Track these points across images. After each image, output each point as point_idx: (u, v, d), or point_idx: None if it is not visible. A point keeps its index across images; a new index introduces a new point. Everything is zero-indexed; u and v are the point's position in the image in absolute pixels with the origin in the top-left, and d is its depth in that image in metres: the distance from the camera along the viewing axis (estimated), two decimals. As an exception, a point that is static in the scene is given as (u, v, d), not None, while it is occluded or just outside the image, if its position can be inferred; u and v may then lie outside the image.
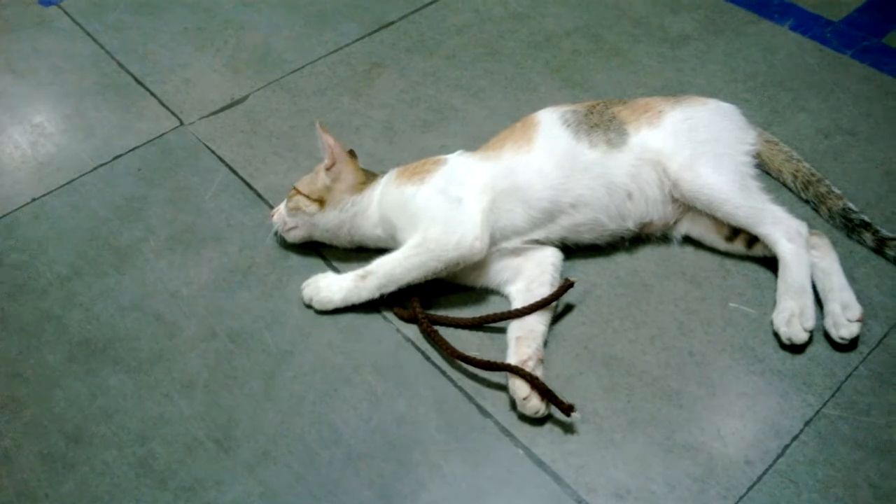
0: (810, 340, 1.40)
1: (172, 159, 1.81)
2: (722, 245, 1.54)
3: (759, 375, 1.37)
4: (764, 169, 1.66)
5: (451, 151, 1.58)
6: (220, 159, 1.80)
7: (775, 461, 1.27)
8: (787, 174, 1.64)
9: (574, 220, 1.50)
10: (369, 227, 1.54)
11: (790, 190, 1.65)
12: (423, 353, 1.43)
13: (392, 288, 1.44)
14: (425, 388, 1.38)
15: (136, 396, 1.39)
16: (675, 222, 1.56)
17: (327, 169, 1.54)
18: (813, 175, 1.61)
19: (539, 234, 1.50)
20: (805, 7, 2.15)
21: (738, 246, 1.53)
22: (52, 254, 1.62)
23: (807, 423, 1.31)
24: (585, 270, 1.54)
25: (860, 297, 1.44)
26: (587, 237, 1.54)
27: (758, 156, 1.63)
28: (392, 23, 2.18)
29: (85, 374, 1.43)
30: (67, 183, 1.77)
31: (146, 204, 1.71)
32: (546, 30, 2.13)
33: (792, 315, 1.39)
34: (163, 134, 1.88)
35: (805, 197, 1.63)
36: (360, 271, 1.46)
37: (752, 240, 1.51)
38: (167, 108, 1.94)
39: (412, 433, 1.32)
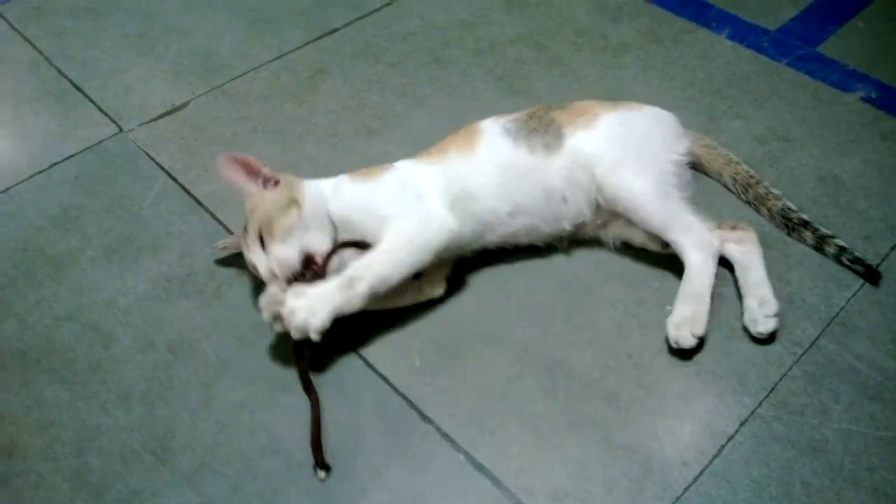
0: (699, 348, 1.41)
1: (111, 167, 1.78)
2: (660, 250, 1.56)
3: (696, 376, 1.39)
4: (704, 172, 1.70)
5: (395, 158, 1.58)
6: (160, 166, 1.78)
7: (711, 461, 1.29)
8: (728, 177, 1.68)
9: (510, 229, 1.52)
10: None
11: (731, 192, 1.68)
12: (364, 359, 1.42)
13: (382, 290, 1.37)
14: (366, 395, 1.38)
15: (72, 408, 1.36)
16: (605, 224, 1.57)
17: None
18: (752, 178, 1.65)
19: (478, 245, 1.53)
20: (742, 16, 2.19)
21: (673, 251, 1.55)
22: (-16, 263, 1.59)
23: (742, 424, 1.33)
24: (526, 275, 1.55)
25: (794, 300, 1.48)
26: (524, 240, 1.55)
27: (697, 160, 1.67)
28: (337, 29, 2.18)
29: (19, 385, 1.39)
30: (2, 191, 1.73)
31: (83, 212, 1.68)
32: (490, 37, 2.14)
33: (684, 320, 1.41)
34: (101, 141, 1.85)
35: (746, 199, 1.66)
36: (341, 280, 1.35)
37: None
38: (106, 114, 1.91)
39: (353, 440, 1.32)
